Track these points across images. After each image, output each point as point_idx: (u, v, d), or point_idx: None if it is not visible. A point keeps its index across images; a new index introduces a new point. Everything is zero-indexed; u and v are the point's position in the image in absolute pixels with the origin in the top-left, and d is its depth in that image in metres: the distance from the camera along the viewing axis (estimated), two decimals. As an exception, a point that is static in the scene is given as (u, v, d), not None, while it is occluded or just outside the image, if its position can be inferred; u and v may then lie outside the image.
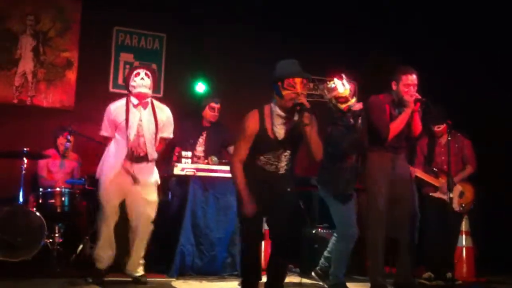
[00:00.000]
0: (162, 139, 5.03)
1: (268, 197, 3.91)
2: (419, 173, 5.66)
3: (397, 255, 4.73)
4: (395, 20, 7.79)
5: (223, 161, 5.71)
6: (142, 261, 4.98)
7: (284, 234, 3.96)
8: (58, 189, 5.68)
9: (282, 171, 3.95)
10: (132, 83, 4.86)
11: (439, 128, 5.75)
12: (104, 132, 4.95)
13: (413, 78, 4.66)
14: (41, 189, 5.69)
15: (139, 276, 4.92)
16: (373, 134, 4.67)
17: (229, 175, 5.45)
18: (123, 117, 4.82)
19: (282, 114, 3.86)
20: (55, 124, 6.35)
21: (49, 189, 5.68)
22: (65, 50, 6.91)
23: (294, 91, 3.79)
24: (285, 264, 4.15)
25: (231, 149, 6.11)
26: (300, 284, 5.27)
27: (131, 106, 4.85)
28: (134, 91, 4.84)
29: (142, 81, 4.82)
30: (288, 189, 3.97)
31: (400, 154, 4.76)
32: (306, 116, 3.75)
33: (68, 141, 6.05)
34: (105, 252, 4.86)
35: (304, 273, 5.66)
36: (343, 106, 4.67)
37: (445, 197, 5.57)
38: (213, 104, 6.20)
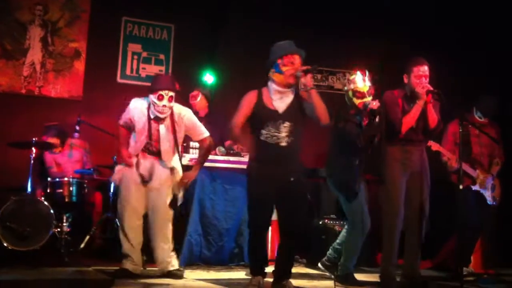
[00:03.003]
0: (202, 141, 4.93)
1: (274, 186, 4.02)
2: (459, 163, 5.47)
3: (405, 248, 4.71)
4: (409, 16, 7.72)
5: (231, 151, 5.71)
6: (171, 254, 4.80)
7: (289, 225, 4.10)
8: (66, 178, 5.70)
9: (284, 143, 4.04)
10: (154, 99, 4.65)
11: (481, 119, 5.68)
12: (121, 122, 4.88)
13: (424, 69, 4.62)
14: (49, 179, 5.71)
15: (173, 270, 4.76)
16: (388, 128, 4.66)
17: (237, 165, 5.58)
18: (141, 124, 4.72)
19: (280, 89, 4.07)
20: (63, 114, 6.39)
21: (57, 179, 5.70)
22: (74, 41, 6.92)
23: (294, 67, 4.00)
24: (291, 253, 4.23)
25: (228, 143, 6.09)
26: (307, 274, 5.28)
27: (151, 113, 4.72)
28: (154, 110, 4.67)
29: (164, 108, 4.65)
30: (292, 179, 4.06)
31: (417, 147, 4.72)
32: (310, 79, 3.94)
33: (77, 131, 6.07)
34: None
35: (311, 264, 5.68)
36: (358, 101, 4.63)
37: (481, 189, 5.57)
38: (191, 93, 6.15)
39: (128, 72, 7.16)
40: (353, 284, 4.71)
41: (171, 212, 4.78)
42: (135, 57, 7.21)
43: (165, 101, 4.63)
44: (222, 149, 5.69)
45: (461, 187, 4.48)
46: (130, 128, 4.83)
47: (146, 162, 4.75)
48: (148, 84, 6.90)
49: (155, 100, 4.63)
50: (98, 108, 6.75)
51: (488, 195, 5.61)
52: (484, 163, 5.68)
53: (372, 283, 4.79)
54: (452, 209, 5.11)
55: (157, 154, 4.76)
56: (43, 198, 5.44)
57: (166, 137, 4.75)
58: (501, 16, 7.14)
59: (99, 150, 6.42)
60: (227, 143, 6.10)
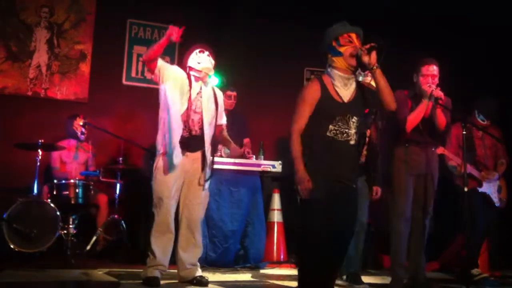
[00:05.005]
0: (221, 125, 4.70)
1: (334, 190, 3.53)
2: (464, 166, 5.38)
3: (411, 249, 4.71)
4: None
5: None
6: (197, 260, 4.54)
7: (341, 236, 3.60)
8: (72, 180, 5.72)
9: (352, 141, 3.58)
10: (196, 58, 4.46)
11: (484, 122, 5.66)
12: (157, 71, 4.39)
13: (432, 68, 4.62)
14: (55, 181, 5.73)
15: (199, 277, 4.45)
16: (395, 127, 4.66)
17: (243, 168, 5.59)
18: (182, 85, 4.39)
19: (343, 74, 3.59)
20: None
21: (63, 181, 5.72)
22: (79, 43, 6.93)
23: (352, 45, 3.56)
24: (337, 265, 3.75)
25: (246, 141, 6.10)
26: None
27: (192, 78, 4.46)
28: (198, 66, 4.43)
29: (208, 57, 4.48)
30: (354, 186, 3.61)
31: (423, 149, 4.71)
32: (374, 57, 3.48)
33: (82, 133, 6.11)
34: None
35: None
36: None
37: (487, 191, 5.56)
38: (229, 92, 6.11)
39: (133, 74, 7.17)
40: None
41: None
42: (141, 59, 7.22)
43: (206, 54, 4.49)
44: (227, 151, 5.69)
45: (466, 189, 4.46)
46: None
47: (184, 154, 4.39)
48: (153, 86, 6.94)
49: (198, 54, 4.48)
50: (104, 110, 6.77)
51: (495, 196, 5.60)
52: (488, 165, 5.66)
53: (380, 285, 4.78)
54: (458, 211, 5.11)
55: (199, 139, 4.42)
56: (49, 200, 5.45)
57: (208, 104, 4.48)
58: (502, 16, 7.13)
59: (104, 152, 6.45)
60: (246, 140, 6.10)
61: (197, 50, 4.53)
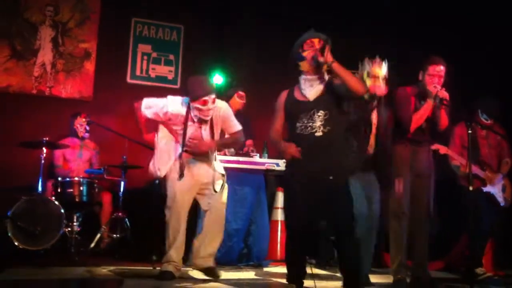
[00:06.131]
0: (234, 133, 4.85)
1: (311, 184, 3.83)
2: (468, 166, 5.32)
3: (414, 249, 4.70)
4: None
5: (240, 152, 5.72)
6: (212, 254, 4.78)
7: (336, 233, 3.94)
8: (76, 178, 5.73)
9: (319, 132, 3.83)
10: (198, 105, 4.54)
11: (487, 121, 5.64)
12: (146, 110, 4.63)
13: (439, 69, 4.57)
14: (59, 179, 5.74)
15: (211, 267, 4.71)
16: (397, 125, 4.64)
17: (247, 166, 5.60)
18: (179, 127, 4.64)
19: (308, 76, 3.97)
20: (74, 115, 6.39)
21: (67, 179, 5.74)
22: (84, 41, 6.95)
23: (313, 49, 3.90)
24: (352, 263, 3.95)
25: (248, 142, 6.08)
26: (316, 275, 5.26)
27: (193, 117, 4.64)
28: (199, 114, 4.60)
29: (209, 111, 4.58)
30: (330, 177, 3.82)
31: (424, 148, 4.70)
32: (328, 53, 3.83)
33: (87, 131, 6.12)
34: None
35: (319, 265, 5.68)
36: (369, 82, 4.58)
37: (492, 190, 5.54)
38: (241, 92, 6.09)
39: (138, 72, 7.19)
40: None
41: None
42: (145, 57, 7.24)
43: (209, 105, 4.56)
44: (231, 149, 5.69)
45: (471, 188, 4.44)
46: (154, 120, 4.70)
47: (192, 162, 4.68)
48: (158, 84, 7.12)
49: (200, 106, 4.53)
50: (108, 108, 6.79)
51: (499, 196, 5.58)
52: (493, 164, 5.65)
53: (384, 284, 4.77)
54: (462, 210, 5.09)
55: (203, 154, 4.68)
56: (53, 198, 5.46)
57: (208, 136, 4.69)
58: (502, 16, 7.12)
59: (108, 150, 6.46)
60: (248, 142, 6.10)
61: (203, 99, 4.52)
